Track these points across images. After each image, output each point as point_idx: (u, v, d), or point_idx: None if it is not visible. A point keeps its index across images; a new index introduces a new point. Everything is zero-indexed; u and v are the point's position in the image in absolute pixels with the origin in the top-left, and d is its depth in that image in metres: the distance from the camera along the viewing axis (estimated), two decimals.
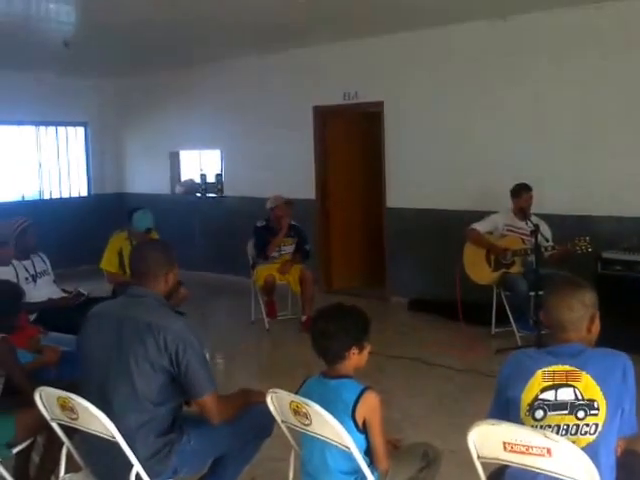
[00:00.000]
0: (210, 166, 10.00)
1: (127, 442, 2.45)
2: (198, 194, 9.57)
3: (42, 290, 5.23)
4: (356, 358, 2.56)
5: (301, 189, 8.17)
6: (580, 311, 2.30)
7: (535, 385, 2.23)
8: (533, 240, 5.69)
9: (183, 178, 10.05)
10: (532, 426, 2.19)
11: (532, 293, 5.75)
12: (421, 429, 4.23)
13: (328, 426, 2.33)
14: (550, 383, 2.22)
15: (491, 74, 6.71)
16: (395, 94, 7.36)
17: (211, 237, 9.15)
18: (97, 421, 2.43)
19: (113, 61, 8.91)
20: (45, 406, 2.65)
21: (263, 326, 6.78)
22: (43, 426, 2.80)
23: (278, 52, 8.14)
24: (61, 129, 10.09)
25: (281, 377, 5.63)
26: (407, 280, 7.53)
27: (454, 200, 7.01)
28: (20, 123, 9.64)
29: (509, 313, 5.98)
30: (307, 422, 2.41)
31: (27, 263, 5.19)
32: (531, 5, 6.13)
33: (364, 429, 2.45)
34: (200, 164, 10.14)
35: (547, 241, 5.74)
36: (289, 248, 6.86)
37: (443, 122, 7.07)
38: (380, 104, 7.49)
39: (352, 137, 8.28)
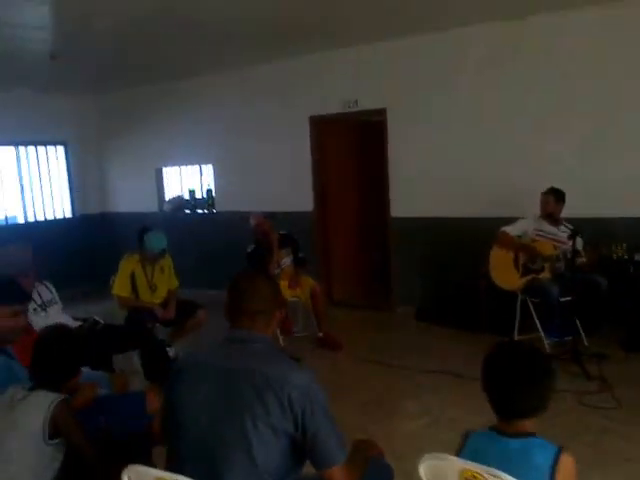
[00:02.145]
0: (194, 182, 9.20)
1: None
2: (187, 211, 8.75)
3: (54, 320, 4.44)
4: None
5: (298, 201, 7.48)
6: None
7: None
8: (564, 246, 5.27)
9: (168, 195, 9.19)
10: None
11: (562, 299, 5.24)
12: None
13: None
14: None
15: (500, 77, 6.11)
16: (399, 101, 6.70)
17: (204, 253, 8.33)
18: None
19: (93, 76, 7.96)
20: None
21: (274, 342, 6.02)
22: None
23: (270, 61, 7.41)
24: (41, 148, 9.09)
25: None
26: (413, 290, 6.89)
27: (464, 208, 6.40)
28: None
29: (536, 320, 5.41)
30: None
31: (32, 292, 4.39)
32: (532, 7, 5.61)
33: None
34: (181, 180, 9.30)
35: (580, 247, 5.23)
36: (287, 260, 6.14)
37: (450, 127, 6.45)
38: (383, 111, 6.83)
39: (351, 146, 7.62)
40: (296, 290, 5.96)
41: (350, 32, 6.29)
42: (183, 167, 9.08)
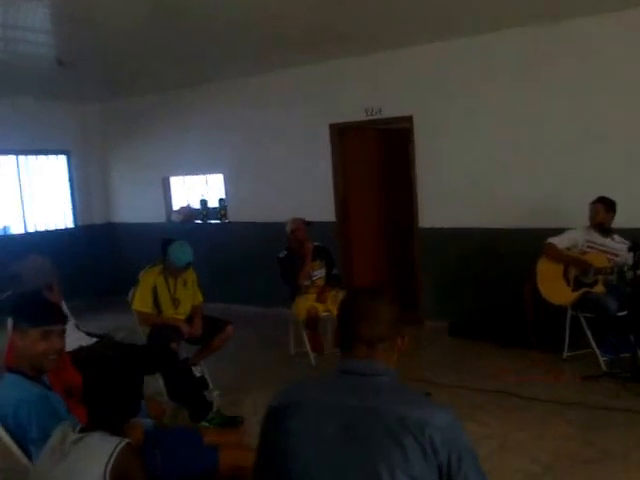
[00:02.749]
0: (199, 191, 8.82)
1: None
2: (198, 221, 8.31)
3: (69, 337, 3.99)
4: None
5: (318, 211, 6.99)
6: None
7: None
8: (617, 258, 5.00)
9: (175, 205, 8.76)
10: None
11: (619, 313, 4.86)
12: None
13: None
14: None
15: (532, 83, 5.74)
16: (426, 108, 6.31)
17: (217, 265, 7.87)
18: None
19: (97, 83, 7.56)
20: None
21: (304, 360, 5.59)
22: None
23: (288, 68, 7.02)
24: (42, 158, 8.63)
25: None
26: (443, 304, 6.49)
27: (496, 218, 6.02)
28: None
29: (589, 336, 5.02)
30: None
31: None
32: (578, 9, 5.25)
33: None
34: (185, 190, 8.90)
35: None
36: (320, 272, 5.77)
37: (482, 135, 6.07)
38: (409, 119, 6.44)
39: (373, 155, 7.17)
40: (327, 304, 5.55)
41: (373, 37, 5.92)
42: (187, 177, 8.69)
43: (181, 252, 4.74)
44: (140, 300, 4.73)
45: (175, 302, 4.85)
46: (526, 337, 5.53)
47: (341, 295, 5.58)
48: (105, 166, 9.08)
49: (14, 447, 2.27)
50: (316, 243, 5.75)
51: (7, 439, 2.28)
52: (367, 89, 6.67)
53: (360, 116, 6.73)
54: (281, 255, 5.65)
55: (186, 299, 4.93)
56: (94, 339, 4.26)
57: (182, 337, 4.67)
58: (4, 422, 2.29)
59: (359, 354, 1.72)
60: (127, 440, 1.94)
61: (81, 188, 8.88)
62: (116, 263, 8.71)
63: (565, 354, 5.25)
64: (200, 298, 5.06)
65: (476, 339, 5.98)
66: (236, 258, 7.80)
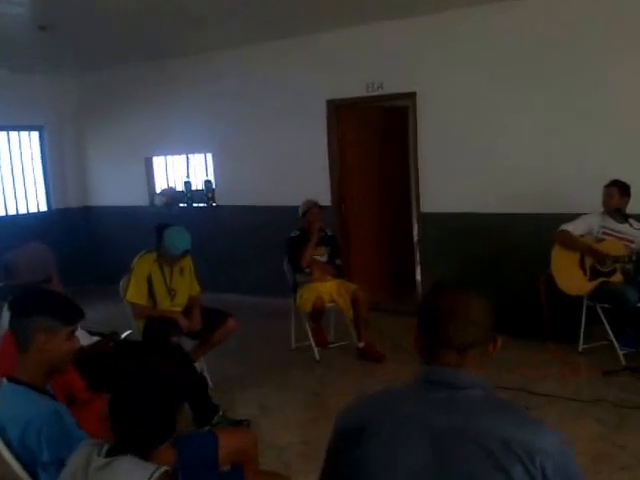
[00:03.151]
0: (182, 172, 8.45)
1: None
2: (183, 204, 7.91)
3: None
4: None
5: (313, 195, 6.58)
6: None
7: None
8: (633, 244, 4.80)
9: (158, 187, 8.35)
10: None
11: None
12: None
13: None
14: None
15: (546, 58, 5.48)
16: (431, 84, 6.01)
17: (204, 252, 7.45)
18: None
19: (74, 52, 7.05)
20: None
21: (306, 355, 5.33)
22: None
23: (282, 38, 6.65)
24: (13, 134, 8.13)
25: None
26: None
27: (506, 203, 5.77)
28: None
29: (608, 328, 4.84)
30: None
31: None
32: None
33: None
34: (166, 171, 8.50)
35: None
36: (322, 259, 5.52)
37: (490, 113, 5.79)
38: (412, 95, 6.15)
39: (373, 134, 6.87)
40: (332, 294, 5.31)
41: (376, 5, 5.59)
42: (169, 156, 8.29)
43: (178, 239, 4.40)
44: (134, 291, 4.36)
45: (171, 292, 4.51)
46: (540, 328, 5.32)
47: (349, 286, 5.33)
48: (81, 144, 8.58)
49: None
50: (328, 231, 5.59)
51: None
52: (368, 62, 6.34)
53: (360, 92, 6.42)
54: (293, 234, 5.47)
55: (183, 289, 4.59)
56: (94, 338, 3.91)
57: (181, 331, 4.34)
58: (8, 445, 1.97)
59: (448, 361, 1.49)
60: (165, 467, 1.64)
61: (55, 168, 8.38)
62: (95, 250, 8.31)
63: (581, 347, 5.05)
64: (197, 288, 4.73)
65: None
66: (226, 245, 7.47)
